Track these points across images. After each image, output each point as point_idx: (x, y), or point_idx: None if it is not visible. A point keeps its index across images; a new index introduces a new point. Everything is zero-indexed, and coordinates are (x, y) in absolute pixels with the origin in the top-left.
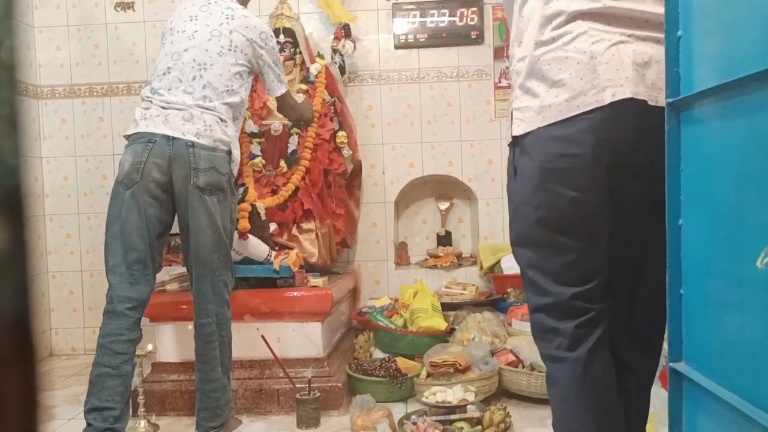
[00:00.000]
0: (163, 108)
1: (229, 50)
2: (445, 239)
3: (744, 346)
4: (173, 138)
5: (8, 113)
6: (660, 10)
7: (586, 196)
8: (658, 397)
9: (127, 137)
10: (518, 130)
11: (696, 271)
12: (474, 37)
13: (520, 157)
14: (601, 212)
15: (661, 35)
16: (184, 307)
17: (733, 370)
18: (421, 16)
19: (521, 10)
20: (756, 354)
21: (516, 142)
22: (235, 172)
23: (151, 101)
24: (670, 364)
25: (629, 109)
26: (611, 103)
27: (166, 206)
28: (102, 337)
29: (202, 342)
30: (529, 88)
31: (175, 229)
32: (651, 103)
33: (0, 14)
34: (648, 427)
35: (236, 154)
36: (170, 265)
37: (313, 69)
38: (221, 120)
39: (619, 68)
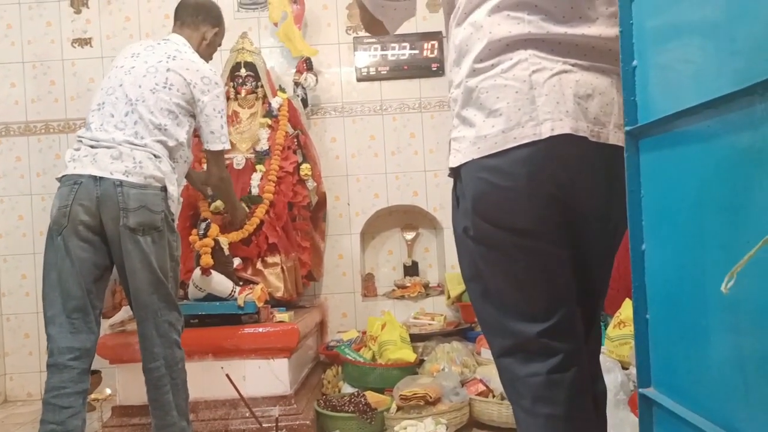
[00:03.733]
0: (92, 147)
1: (164, 87)
2: (411, 269)
3: (711, 370)
4: (101, 178)
5: None
6: (609, 33)
7: (523, 226)
8: (627, 422)
9: (59, 180)
10: (454, 161)
11: (660, 295)
12: (435, 69)
13: (459, 188)
14: (545, 241)
15: (606, 65)
16: None
17: (701, 393)
18: (383, 50)
19: (460, 34)
20: (723, 377)
21: (454, 173)
22: (174, 209)
23: (81, 141)
24: (640, 390)
25: (568, 145)
26: (549, 138)
27: (100, 249)
28: (46, 392)
29: (152, 387)
30: (465, 117)
31: None
32: (592, 138)
33: None
34: None
35: (173, 190)
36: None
37: (275, 102)
38: (154, 156)
39: (560, 101)
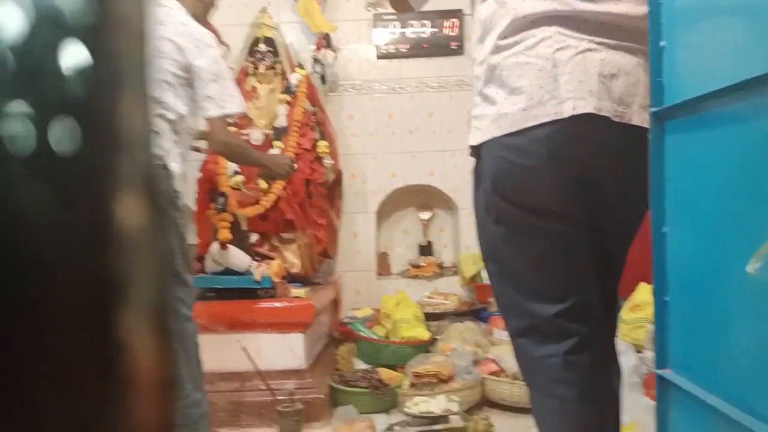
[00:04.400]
0: None
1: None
2: (426, 249)
3: (729, 351)
4: None
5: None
6: (636, 11)
7: (544, 206)
8: (641, 404)
9: None
10: (475, 139)
11: (680, 278)
12: (454, 47)
13: (479, 166)
14: (565, 221)
15: (634, 44)
16: None
17: (719, 375)
18: (402, 27)
19: (485, 11)
20: (741, 358)
21: (474, 152)
22: (180, 187)
23: None
24: (657, 371)
25: (590, 124)
26: (571, 117)
27: None
28: None
29: None
30: (487, 95)
31: None
32: (615, 119)
33: None
34: None
35: (175, 167)
36: None
37: (294, 79)
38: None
39: (583, 80)
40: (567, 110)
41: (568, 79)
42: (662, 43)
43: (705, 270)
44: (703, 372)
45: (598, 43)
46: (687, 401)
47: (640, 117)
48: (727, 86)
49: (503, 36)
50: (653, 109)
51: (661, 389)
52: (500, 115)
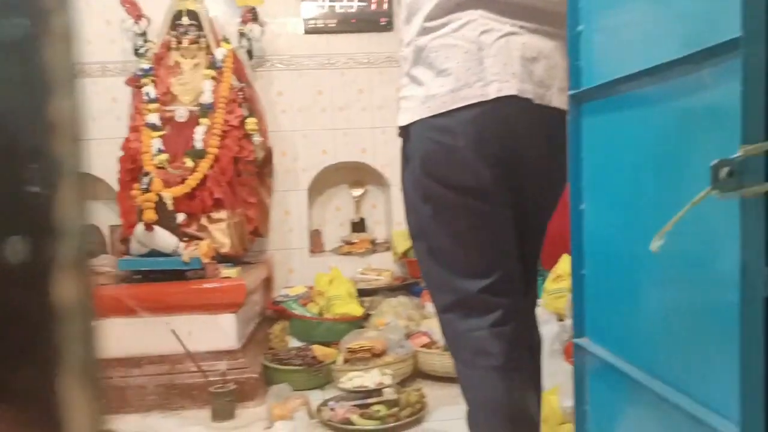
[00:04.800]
0: None
1: None
2: (359, 226)
3: (640, 321)
4: None
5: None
6: None
7: (468, 184)
8: (562, 370)
9: None
10: (403, 119)
11: (596, 253)
12: (383, 23)
13: (407, 147)
14: (488, 199)
15: (553, 28)
16: None
17: (630, 343)
18: (330, 1)
19: None
20: (650, 328)
21: (402, 132)
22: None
23: None
24: (575, 339)
25: (514, 106)
26: (496, 98)
27: None
28: None
29: None
30: (414, 76)
31: None
32: (536, 101)
33: None
34: (552, 399)
35: None
36: None
37: (219, 54)
38: None
39: (507, 62)
40: (492, 92)
41: (492, 62)
42: (580, 28)
43: (618, 245)
44: (615, 340)
45: (520, 27)
46: (602, 368)
47: (559, 99)
48: (639, 71)
49: (430, 18)
50: (571, 92)
51: (578, 357)
52: (428, 96)
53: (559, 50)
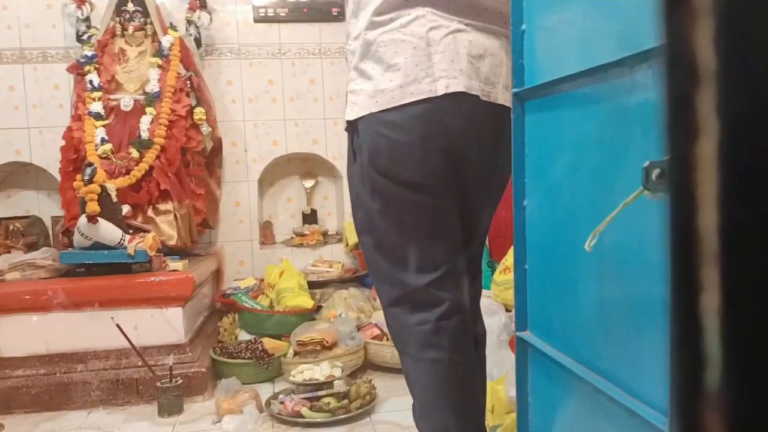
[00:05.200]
0: None
1: None
2: (310, 217)
3: (578, 315)
4: None
5: None
6: None
7: (417, 179)
8: (509, 360)
9: None
10: (351, 114)
11: (538, 248)
12: (335, 14)
13: (356, 141)
14: (437, 194)
15: (497, 27)
16: (27, 297)
17: (570, 336)
18: None
19: None
20: (588, 321)
21: (350, 127)
22: None
23: None
24: (517, 333)
25: (461, 102)
26: (444, 95)
27: None
28: None
29: None
30: (363, 70)
31: (9, 212)
32: (483, 98)
33: None
34: (499, 388)
35: None
36: (9, 252)
37: (166, 41)
38: None
39: (455, 59)
40: (440, 88)
41: (440, 58)
42: (523, 27)
43: (558, 241)
44: (555, 333)
45: (467, 24)
46: (543, 359)
47: (503, 96)
48: (578, 71)
49: (378, 12)
50: (515, 90)
51: (521, 349)
52: (377, 91)
53: (503, 48)
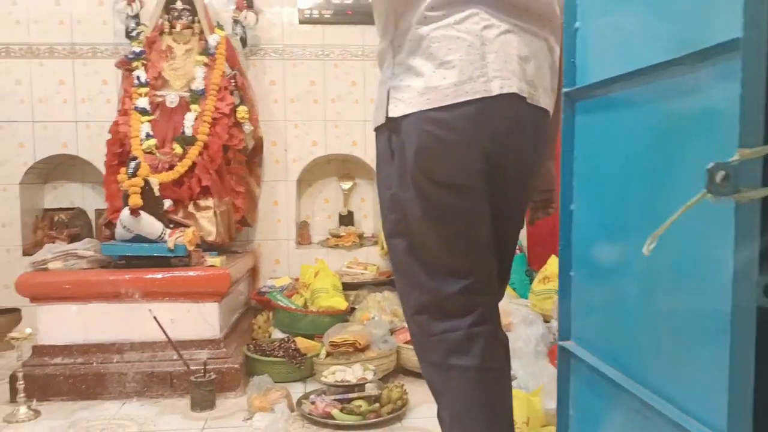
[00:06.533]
0: None
1: None
2: (347, 219)
3: (626, 326)
4: None
5: None
6: None
7: (460, 181)
8: (546, 372)
9: None
10: (395, 111)
11: (585, 254)
12: None
13: (396, 140)
14: (476, 197)
15: (538, 29)
16: (67, 287)
17: (616, 347)
18: None
19: None
20: (636, 334)
21: (391, 124)
22: None
23: None
24: (560, 342)
25: (511, 104)
26: (497, 95)
27: None
28: None
29: None
30: (412, 65)
31: (54, 203)
32: (529, 100)
33: None
34: (535, 400)
35: None
36: (53, 242)
37: (212, 40)
38: None
39: (507, 60)
40: (495, 88)
41: (494, 57)
42: (577, 25)
43: (608, 248)
44: (602, 344)
45: (514, 25)
46: (587, 371)
47: (544, 100)
48: (634, 70)
49: (431, 7)
50: (565, 89)
51: (563, 360)
52: (429, 88)
53: (545, 50)
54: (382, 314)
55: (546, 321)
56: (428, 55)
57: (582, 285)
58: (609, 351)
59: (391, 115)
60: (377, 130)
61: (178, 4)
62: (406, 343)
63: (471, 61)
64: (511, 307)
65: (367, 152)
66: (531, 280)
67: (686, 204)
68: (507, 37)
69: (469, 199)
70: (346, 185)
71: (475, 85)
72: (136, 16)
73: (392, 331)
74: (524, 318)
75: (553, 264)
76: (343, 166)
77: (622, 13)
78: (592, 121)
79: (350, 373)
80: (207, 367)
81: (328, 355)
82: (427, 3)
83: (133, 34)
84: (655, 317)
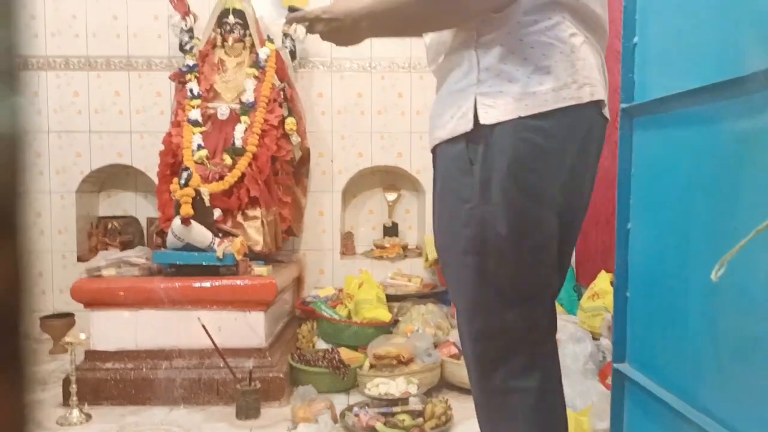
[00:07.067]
0: None
1: None
2: (391, 230)
3: (686, 350)
4: None
5: None
6: (600, 11)
7: (551, 192)
8: (595, 391)
9: None
10: (488, 118)
11: (642, 275)
12: None
13: (480, 149)
14: (555, 210)
15: (599, 44)
16: (121, 293)
17: (675, 372)
18: None
19: None
20: (698, 358)
21: (476, 133)
22: None
23: None
24: (614, 364)
25: (594, 112)
26: (588, 102)
27: None
28: None
29: None
30: (502, 70)
31: (108, 211)
32: (604, 111)
33: None
34: (584, 420)
35: None
36: (106, 249)
37: (263, 53)
38: None
39: (591, 68)
40: (585, 95)
41: (582, 65)
42: (635, 40)
43: (666, 268)
44: (659, 368)
45: (586, 37)
46: (642, 395)
47: (606, 111)
48: (698, 87)
49: (525, 12)
50: (623, 105)
51: (617, 382)
52: (526, 93)
53: (602, 66)
54: (425, 327)
55: (595, 339)
56: (522, 60)
57: (638, 306)
58: (667, 375)
59: (483, 122)
60: (451, 140)
61: (231, 19)
62: (451, 357)
63: (564, 67)
64: (558, 324)
65: (412, 164)
66: (579, 296)
67: (757, 228)
68: (587, 46)
69: (551, 211)
70: (391, 196)
71: (569, 92)
72: (190, 30)
73: (436, 345)
74: (572, 335)
75: (602, 280)
76: (387, 178)
77: (685, 28)
78: (651, 138)
79: (394, 386)
80: (252, 375)
81: (372, 367)
82: (522, 8)
83: (187, 47)
84: (718, 341)
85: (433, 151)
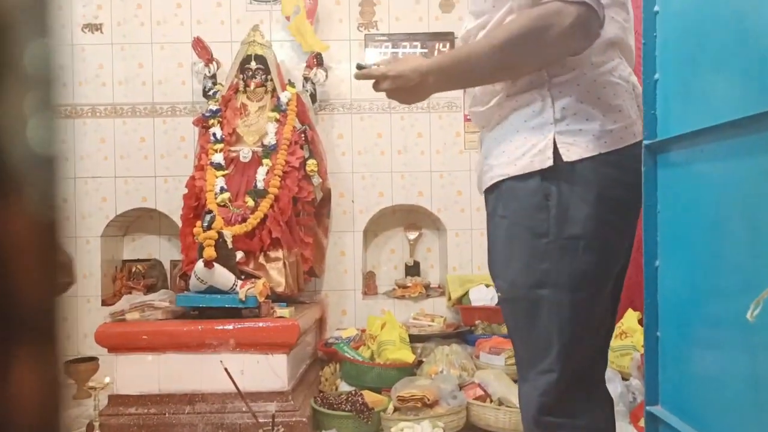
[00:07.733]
0: None
1: None
2: (413, 269)
3: (722, 392)
4: None
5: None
6: (633, 45)
7: (626, 226)
8: None
9: None
10: (570, 155)
11: (673, 314)
12: None
13: (559, 186)
14: (627, 246)
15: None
16: (144, 337)
17: (711, 415)
18: (393, 47)
19: None
20: (734, 400)
21: (553, 170)
22: None
23: None
24: (647, 407)
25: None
26: (641, 140)
27: None
28: None
29: None
30: (580, 109)
31: (132, 255)
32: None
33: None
34: None
35: None
36: (130, 293)
37: (284, 97)
38: None
39: (640, 106)
40: (639, 133)
41: (639, 102)
42: (656, 76)
43: (697, 307)
44: (693, 410)
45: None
46: None
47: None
48: (723, 122)
49: (594, 53)
50: (646, 142)
51: (650, 426)
52: (605, 131)
53: None
54: (450, 368)
55: (624, 379)
56: (596, 100)
57: (670, 346)
58: (702, 419)
59: (566, 159)
60: (521, 176)
61: (252, 64)
62: (476, 399)
63: (630, 105)
64: None
65: (433, 203)
66: None
67: None
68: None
69: (628, 242)
70: (412, 235)
71: (636, 128)
72: (213, 76)
73: (461, 386)
74: None
75: (629, 318)
76: (408, 217)
77: (706, 64)
78: (676, 175)
79: (419, 429)
80: (275, 419)
81: (396, 410)
82: (593, 51)
83: (210, 93)
84: (756, 382)
85: (491, 188)
